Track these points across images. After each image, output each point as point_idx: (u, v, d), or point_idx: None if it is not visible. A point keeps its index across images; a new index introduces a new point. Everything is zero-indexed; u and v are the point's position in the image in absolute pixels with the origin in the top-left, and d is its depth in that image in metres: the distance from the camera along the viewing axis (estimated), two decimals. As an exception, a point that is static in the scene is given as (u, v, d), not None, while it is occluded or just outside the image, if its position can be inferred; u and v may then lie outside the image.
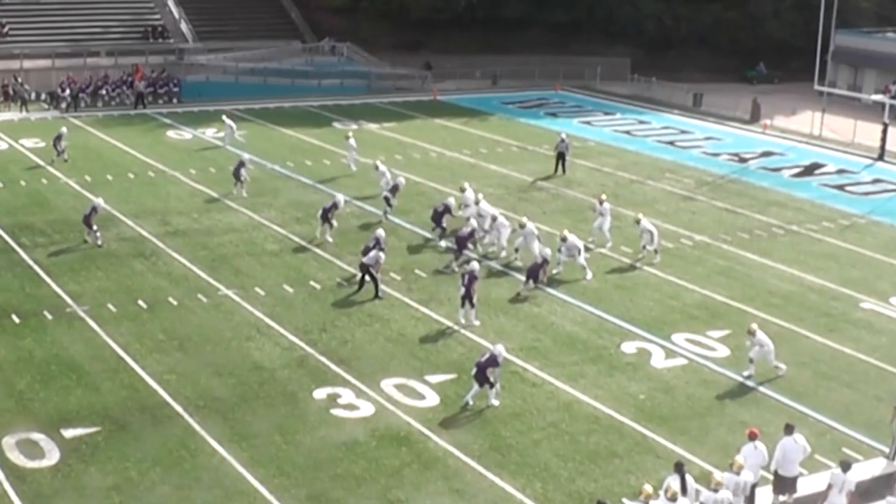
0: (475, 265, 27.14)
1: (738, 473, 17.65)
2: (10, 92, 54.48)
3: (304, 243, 32.68)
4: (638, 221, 31.63)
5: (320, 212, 33.05)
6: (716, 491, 17.04)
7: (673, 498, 16.60)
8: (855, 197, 41.02)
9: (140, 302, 27.62)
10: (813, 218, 37.42)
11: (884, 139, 47.67)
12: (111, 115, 52.86)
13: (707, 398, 23.17)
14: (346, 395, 22.66)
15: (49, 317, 26.49)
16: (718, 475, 17.41)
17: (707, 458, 20.34)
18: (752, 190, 41.23)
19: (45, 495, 18.73)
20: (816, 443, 20.29)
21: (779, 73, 67.47)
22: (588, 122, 54.30)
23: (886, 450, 20.77)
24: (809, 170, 45.48)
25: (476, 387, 22.10)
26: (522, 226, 31.20)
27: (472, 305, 26.46)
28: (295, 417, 21.74)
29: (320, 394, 22.72)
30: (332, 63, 64.87)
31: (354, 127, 49.46)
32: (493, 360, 22.11)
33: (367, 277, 28.32)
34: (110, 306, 27.24)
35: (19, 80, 54.75)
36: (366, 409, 22.10)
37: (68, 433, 20.70)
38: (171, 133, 48.67)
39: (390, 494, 19.08)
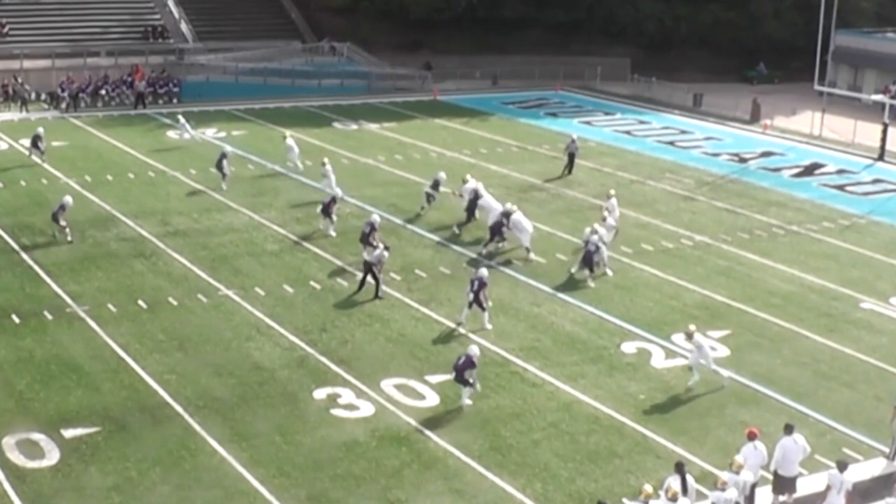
0: (484, 271, 26.93)
1: (737, 473, 17.66)
2: (10, 92, 54.51)
3: (304, 244, 32.67)
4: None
5: (320, 207, 33.50)
6: (723, 490, 17.07)
7: (673, 498, 16.61)
8: (855, 197, 41.02)
9: (140, 302, 27.62)
10: (813, 218, 37.43)
11: (884, 139, 47.67)
12: (111, 115, 52.87)
13: (707, 398, 23.17)
14: (346, 395, 22.66)
15: (49, 317, 26.49)
16: (724, 475, 17.43)
17: (707, 458, 20.35)
18: (752, 190, 41.24)
19: (45, 495, 18.73)
20: (816, 443, 20.28)
21: (779, 73, 67.47)
22: (588, 123, 54.30)
23: (886, 450, 20.77)
24: (809, 170, 45.49)
25: (463, 388, 22.20)
26: (508, 214, 32.02)
27: (484, 309, 26.41)
28: (295, 417, 21.74)
29: (320, 394, 22.72)
30: (332, 63, 64.86)
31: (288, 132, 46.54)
32: (469, 363, 22.09)
33: (370, 277, 28.30)
34: (110, 306, 27.24)
35: (19, 80, 54.75)
36: (366, 409, 22.10)
37: (68, 433, 20.70)
38: (171, 133, 48.65)
39: (390, 494, 19.08)
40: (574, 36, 67.62)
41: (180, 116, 47.47)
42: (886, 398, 22.61)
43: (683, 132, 52.76)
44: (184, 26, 64.90)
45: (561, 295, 28.97)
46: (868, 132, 49.43)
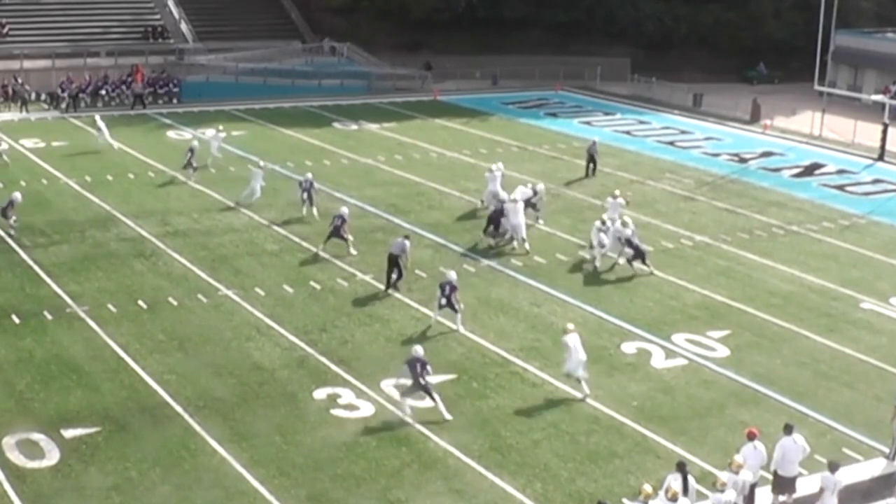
0: (453, 274, 26.70)
1: (737, 473, 17.66)
2: (10, 92, 54.51)
3: (304, 244, 32.66)
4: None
5: (301, 193, 35.18)
6: (722, 491, 17.06)
7: (673, 498, 16.59)
8: (855, 197, 41.03)
9: (140, 302, 27.62)
10: (813, 218, 37.44)
11: (884, 139, 47.68)
12: (111, 116, 52.75)
13: (707, 398, 23.17)
14: (346, 396, 22.66)
15: (49, 317, 26.49)
16: (724, 475, 17.43)
17: (707, 458, 20.34)
18: (752, 190, 41.24)
19: (45, 495, 18.73)
20: (816, 443, 20.27)
21: (779, 74, 67.48)
22: (588, 123, 54.30)
23: (886, 450, 20.76)
24: (809, 170, 45.49)
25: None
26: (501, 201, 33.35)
27: (456, 311, 26.18)
28: (295, 418, 21.74)
29: (320, 394, 22.71)
30: (332, 63, 64.88)
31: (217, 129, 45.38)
32: (422, 366, 21.57)
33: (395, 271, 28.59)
34: (110, 306, 27.24)
35: (19, 80, 54.76)
36: (366, 409, 22.10)
37: (68, 433, 20.69)
38: (171, 133, 48.67)
39: (390, 494, 19.08)
40: (574, 36, 67.61)
41: (97, 117, 47.09)
42: (886, 398, 22.61)
43: (683, 132, 52.77)
44: (184, 26, 64.90)
45: (561, 295, 28.96)
46: (868, 132, 49.44)
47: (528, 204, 33.84)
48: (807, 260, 32.67)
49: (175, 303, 27.68)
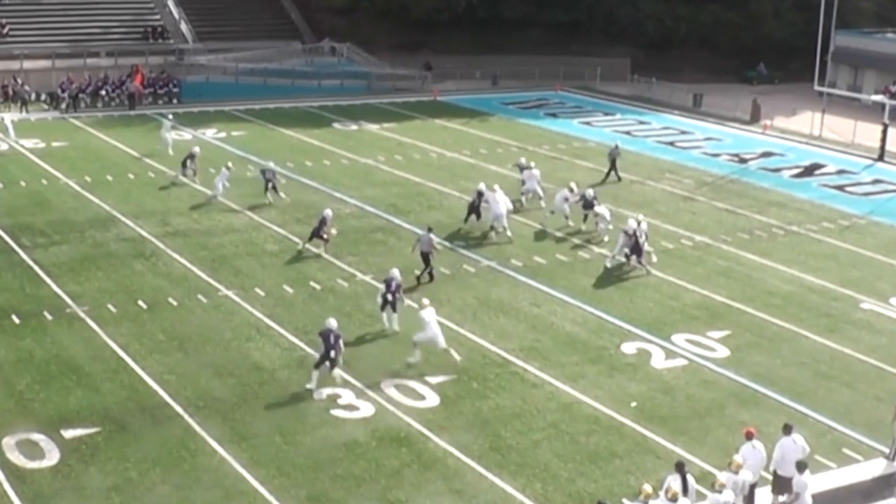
0: (395, 272, 26.31)
1: (736, 473, 17.65)
2: (10, 92, 54.52)
3: (307, 246, 32.65)
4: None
5: (265, 182, 36.75)
6: (720, 492, 17.06)
7: (673, 498, 16.59)
8: (855, 197, 41.03)
9: (140, 302, 27.62)
10: (813, 218, 37.44)
11: (884, 139, 47.69)
12: (111, 116, 52.90)
13: (707, 398, 23.17)
14: (346, 396, 22.65)
15: (49, 317, 26.49)
16: (723, 475, 17.43)
17: (707, 458, 20.34)
18: (752, 190, 41.25)
19: (45, 495, 18.73)
20: (816, 443, 20.29)
21: (779, 74, 67.49)
22: (588, 123, 54.32)
23: (886, 450, 20.76)
24: (809, 170, 45.50)
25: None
26: (481, 193, 34.01)
27: (395, 311, 25.95)
28: (295, 418, 21.74)
29: (320, 394, 22.71)
30: (332, 63, 64.88)
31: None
32: (335, 338, 22.72)
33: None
34: (110, 307, 27.24)
35: (19, 80, 54.79)
36: (366, 410, 22.10)
37: (68, 433, 20.69)
38: (171, 134, 48.56)
39: (390, 495, 19.08)
40: (574, 36, 67.63)
41: (4, 116, 46.98)
42: (886, 398, 22.62)
43: (683, 132, 52.78)
44: (184, 26, 64.91)
45: (561, 295, 28.96)
46: (868, 132, 49.45)
47: (587, 204, 34.65)
48: (807, 260, 32.67)
49: (175, 303, 27.68)
